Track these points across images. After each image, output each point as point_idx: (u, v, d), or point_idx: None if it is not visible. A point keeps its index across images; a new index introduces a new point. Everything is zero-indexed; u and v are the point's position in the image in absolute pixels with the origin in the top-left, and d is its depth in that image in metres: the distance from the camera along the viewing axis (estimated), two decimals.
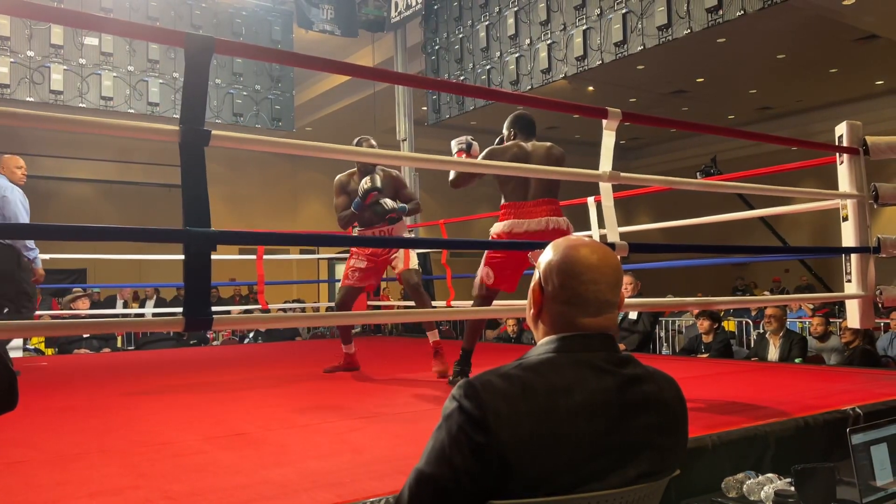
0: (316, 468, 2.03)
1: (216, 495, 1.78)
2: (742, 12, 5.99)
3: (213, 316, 1.74)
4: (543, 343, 1.14)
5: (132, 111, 8.16)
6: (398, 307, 8.34)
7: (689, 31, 6.40)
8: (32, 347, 7.11)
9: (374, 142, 4.19)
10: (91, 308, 7.89)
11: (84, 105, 7.92)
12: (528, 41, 7.98)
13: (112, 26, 2.27)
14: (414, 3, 9.41)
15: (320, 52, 10.15)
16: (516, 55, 8.12)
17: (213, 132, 1.87)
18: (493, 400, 1.00)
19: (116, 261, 7.87)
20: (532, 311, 1.19)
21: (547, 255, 1.19)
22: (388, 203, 4.15)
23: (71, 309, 7.19)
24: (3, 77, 7.41)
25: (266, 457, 2.22)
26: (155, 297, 10.60)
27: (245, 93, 9.01)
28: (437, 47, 9.32)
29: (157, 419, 2.96)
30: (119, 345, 7.61)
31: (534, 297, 1.18)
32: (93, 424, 2.89)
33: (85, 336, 6.79)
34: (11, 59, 7.48)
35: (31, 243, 4.56)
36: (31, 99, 7.59)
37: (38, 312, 5.22)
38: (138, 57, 8.25)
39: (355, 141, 4.24)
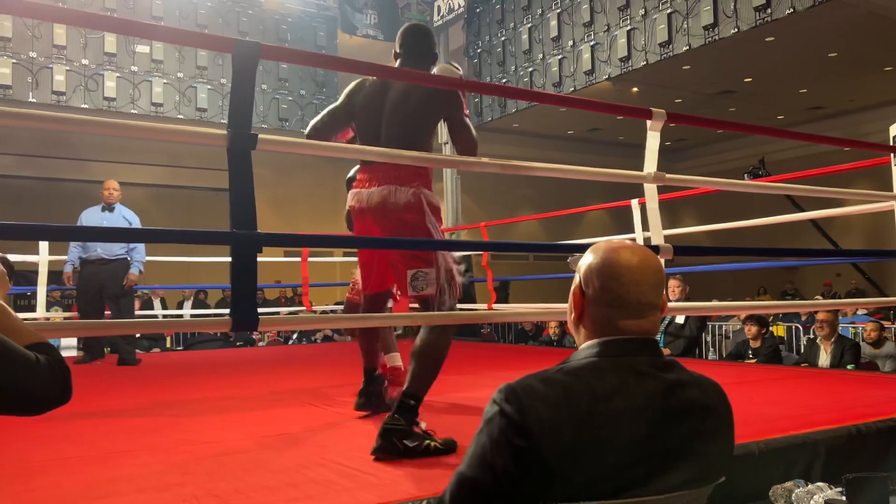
0: (358, 469, 2.05)
1: (259, 494, 1.81)
2: (791, 10, 5.85)
3: (259, 317, 1.77)
4: (585, 347, 1.13)
5: (181, 117, 8.37)
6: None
7: (735, 30, 6.28)
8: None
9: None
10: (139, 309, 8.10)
11: (136, 111, 8.14)
12: (570, 43, 7.93)
13: (163, 34, 2.33)
14: (456, 7, 9.44)
15: (363, 56, 10.22)
16: (559, 57, 8.08)
17: (260, 136, 1.90)
18: (534, 405, 1.00)
19: (165, 262, 8.06)
20: (573, 315, 1.18)
21: (587, 259, 1.18)
22: None
23: None
24: (60, 85, 7.67)
25: (309, 456, 2.25)
26: (192, 298, 10.81)
27: (290, 98, 9.16)
28: (479, 50, 9.33)
29: (202, 418, 3.03)
30: (168, 345, 7.79)
31: (574, 300, 1.17)
32: (141, 423, 2.97)
33: (136, 336, 6.97)
34: (67, 68, 7.74)
35: (141, 255, 5.36)
36: (86, 105, 7.84)
37: None
38: (187, 64, 8.45)
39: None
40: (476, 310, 7.32)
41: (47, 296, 5.79)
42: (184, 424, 2.88)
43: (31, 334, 1.17)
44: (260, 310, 1.83)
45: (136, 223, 5.38)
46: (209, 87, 8.52)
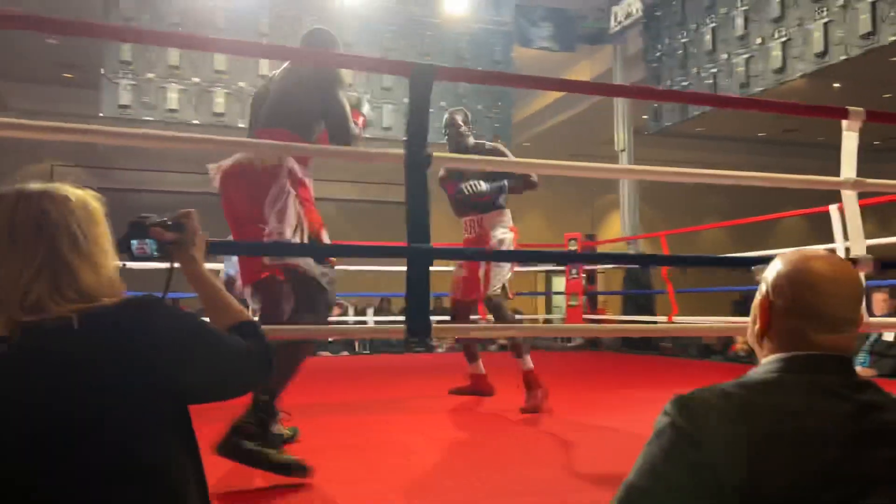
0: (529, 475, 2.09)
1: (436, 493, 1.90)
2: None
3: (432, 325, 1.87)
4: (769, 361, 1.07)
5: (368, 136, 8.91)
6: (618, 321, 8.17)
7: None
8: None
9: (460, 117, 3.77)
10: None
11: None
12: (759, 40, 7.45)
13: (349, 62, 2.54)
14: (634, 12, 9.22)
15: (539, 68, 10.31)
16: (746, 56, 7.62)
17: (434, 154, 2.01)
18: (706, 417, 0.97)
19: (357, 271, 8.58)
20: (757, 327, 1.11)
21: (775, 267, 1.12)
22: (476, 186, 3.47)
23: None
24: (219, 107, 8.45)
25: (484, 460, 2.32)
26: (376, 305, 11.40)
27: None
28: (658, 54, 9.03)
29: (387, 419, 3.21)
30: (356, 349, 8.31)
31: (760, 312, 1.10)
32: (332, 421, 3.20)
33: (329, 340, 7.53)
34: (226, 91, 8.52)
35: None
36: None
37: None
38: (374, 86, 8.99)
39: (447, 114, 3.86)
40: (655, 322, 7.07)
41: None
42: (371, 424, 3.06)
43: (239, 311, 1.19)
44: (438, 318, 1.93)
45: None
46: (392, 106, 9.01)
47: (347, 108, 2.51)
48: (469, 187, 3.46)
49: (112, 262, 1.06)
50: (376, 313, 11.08)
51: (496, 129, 9.52)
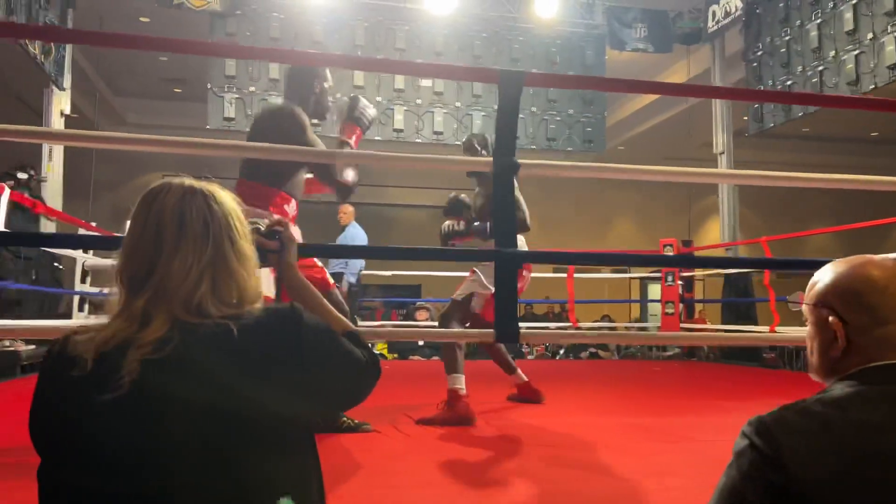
0: (618, 488, 2.06)
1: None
2: None
3: (521, 330, 1.88)
4: (848, 375, 1.03)
5: (458, 143, 8.99)
6: (716, 330, 7.89)
7: None
8: (377, 352, 8.20)
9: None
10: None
11: (420, 140, 8.94)
12: (870, 35, 7.04)
13: (440, 72, 2.59)
14: (733, 11, 8.90)
15: (632, 70, 10.12)
16: (855, 52, 7.21)
17: (522, 162, 2.02)
18: (787, 437, 0.94)
19: (448, 277, 8.69)
20: (832, 354, 1.05)
21: (832, 281, 1.06)
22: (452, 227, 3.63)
23: (415, 319, 8.17)
24: None
25: (573, 470, 2.30)
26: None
27: (559, 118, 9.35)
28: (759, 53, 8.68)
29: (478, 425, 3.22)
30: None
31: (835, 335, 1.04)
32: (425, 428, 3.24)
33: (420, 344, 7.63)
34: None
35: (353, 268, 6.33)
36: (379, 138, 8.80)
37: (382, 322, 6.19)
38: (464, 93, 9.07)
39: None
40: (757, 332, 6.78)
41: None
42: (456, 431, 3.09)
43: (341, 319, 1.18)
44: (528, 324, 1.94)
45: (359, 241, 6.41)
46: (483, 113, 9.06)
47: (314, 141, 2.64)
48: (448, 227, 3.62)
49: (256, 267, 1.06)
50: None
51: (588, 133, 9.41)
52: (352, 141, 2.76)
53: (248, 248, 1.04)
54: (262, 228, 1.24)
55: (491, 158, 2.03)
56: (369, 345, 1.12)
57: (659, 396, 4.35)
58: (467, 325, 3.53)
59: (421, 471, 2.28)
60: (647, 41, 9.38)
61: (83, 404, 0.91)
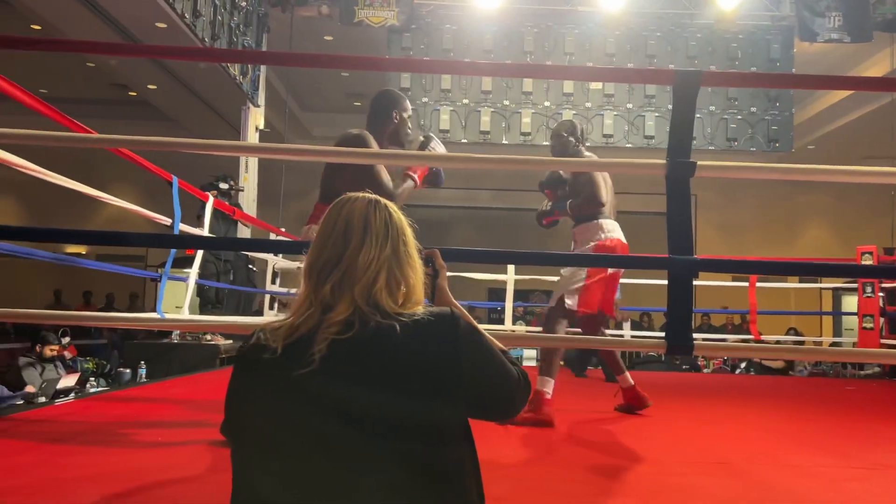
0: None
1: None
2: None
3: (695, 342, 1.79)
4: None
5: (629, 145, 8.75)
6: None
7: None
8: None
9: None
10: None
11: (588, 144, 8.78)
12: None
13: (611, 75, 2.53)
14: None
15: (823, 63, 9.31)
16: None
17: (699, 163, 1.92)
18: None
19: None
20: None
21: None
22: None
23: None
24: (526, 126, 8.74)
25: (750, 491, 2.16)
26: (630, 320, 11.02)
27: (739, 116, 8.81)
28: None
29: (640, 436, 3.12)
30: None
31: None
32: (568, 432, 3.18)
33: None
34: (533, 111, 8.78)
35: None
36: (547, 143, 8.76)
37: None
38: (636, 95, 8.81)
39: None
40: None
41: (513, 311, 6.65)
42: (620, 439, 3.01)
43: (494, 340, 1.22)
44: (704, 335, 1.85)
45: None
46: (657, 114, 8.74)
47: (379, 172, 2.66)
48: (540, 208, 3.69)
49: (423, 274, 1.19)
50: (634, 327, 10.78)
51: (773, 132, 8.77)
52: (415, 175, 2.78)
53: (416, 256, 1.16)
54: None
55: (664, 161, 1.95)
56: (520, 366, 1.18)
57: (853, 418, 3.95)
58: (569, 325, 3.58)
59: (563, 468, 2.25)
60: (843, 30, 8.57)
61: (277, 381, 1.04)
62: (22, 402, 4.33)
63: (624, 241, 3.44)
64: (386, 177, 2.70)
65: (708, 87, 1.99)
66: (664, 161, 1.93)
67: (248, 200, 8.35)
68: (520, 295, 6.88)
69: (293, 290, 1.16)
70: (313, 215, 2.75)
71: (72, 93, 11.04)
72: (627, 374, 3.59)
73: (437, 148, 2.80)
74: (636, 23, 8.77)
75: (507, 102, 8.80)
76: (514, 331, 6.99)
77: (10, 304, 2.59)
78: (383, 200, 1.18)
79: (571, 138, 3.61)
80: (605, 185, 3.44)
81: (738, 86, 8.47)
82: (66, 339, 6.14)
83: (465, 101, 8.78)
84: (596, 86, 8.77)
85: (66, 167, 3.76)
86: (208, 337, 5.71)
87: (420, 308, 1.12)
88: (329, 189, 2.73)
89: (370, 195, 1.18)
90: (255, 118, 8.61)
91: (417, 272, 1.15)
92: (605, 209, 3.46)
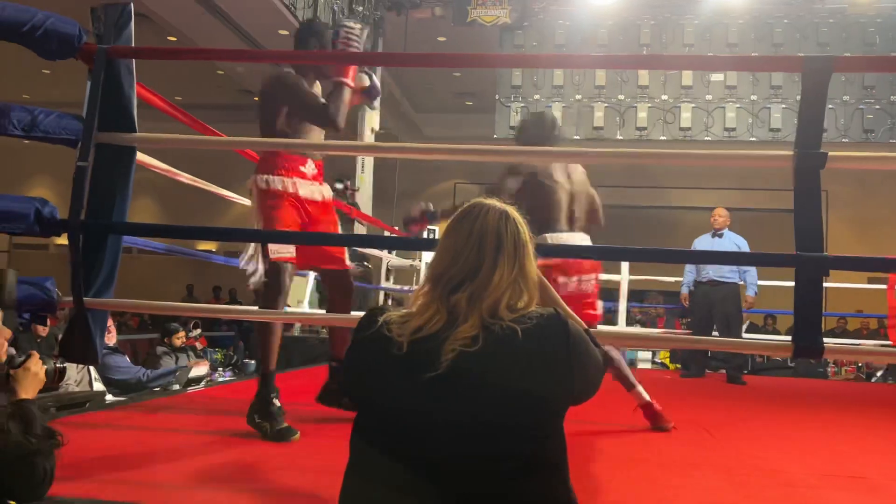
0: None
1: None
2: None
3: (825, 345, 1.68)
4: None
5: (754, 139, 8.32)
6: None
7: None
8: (659, 361, 7.91)
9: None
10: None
11: (709, 138, 8.43)
12: None
13: (733, 64, 2.42)
14: None
15: None
16: None
17: (830, 153, 1.80)
18: None
19: None
20: None
21: None
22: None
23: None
24: (642, 121, 8.49)
25: None
26: (748, 322, 10.39)
27: (877, 106, 8.17)
28: None
29: (767, 445, 2.96)
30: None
31: None
32: (702, 439, 3.06)
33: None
34: (649, 105, 8.52)
35: (753, 278, 5.82)
36: (664, 137, 8.48)
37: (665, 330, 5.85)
38: (761, 86, 8.36)
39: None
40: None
41: (628, 312, 6.49)
42: (747, 448, 2.87)
43: (579, 321, 1.27)
44: (838, 340, 1.74)
45: (745, 247, 5.61)
46: (783, 105, 8.25)
47: (313, 99, 2.63)
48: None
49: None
50: (758, 331, 10.24)
51: None
52: (348, 80, 2.56)
53: (535, 265, 1.23)
54: None
55: (791, 153, 1.83)
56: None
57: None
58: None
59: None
60: None
61: (406, 380, 1.13)
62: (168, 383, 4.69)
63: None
64: (319, 101, 2.62)
65: (841, 73, 1.86)
66: (792, 152, 1.82)
67: (364, 199, 8.59)
68: (633, 296, 6.68)
69: (406, 287, 1.24)
70: (262, 165, 2.66)
71: (204, 99, 11.78)
72: (640, 388, 3.07)
73: (352, 33, 2.55)
74: (761, 9, 8.32)
75: (621, 97, 8.59)
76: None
77: (148, 298, 2.81)
78: (511, 212, 1.22)
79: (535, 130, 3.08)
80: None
81: (875, 71, 7.86)
82: (198, 331, 6.56)
83: (578, 96, 8.64)
84: (717, 77, 8.40)
85: (202, 169, 4.00)
86: (325, 331, 5.93)
87: (532, 308, 1.18)
88: (270, 132, 2.67)
89: (499, 205, 1.22)
90: (371, 120, 8.85)
91: (534, 281, 1.21)
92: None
